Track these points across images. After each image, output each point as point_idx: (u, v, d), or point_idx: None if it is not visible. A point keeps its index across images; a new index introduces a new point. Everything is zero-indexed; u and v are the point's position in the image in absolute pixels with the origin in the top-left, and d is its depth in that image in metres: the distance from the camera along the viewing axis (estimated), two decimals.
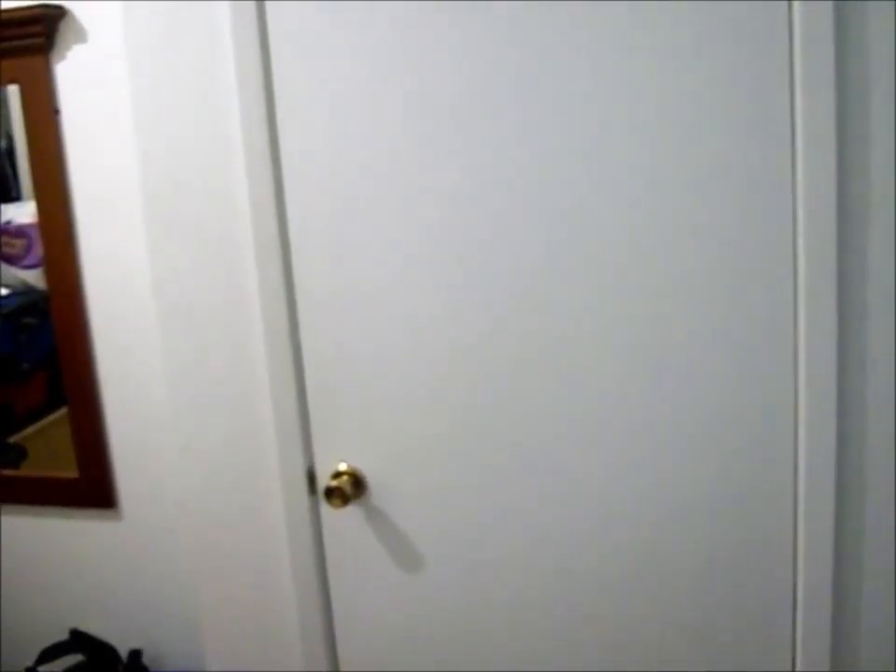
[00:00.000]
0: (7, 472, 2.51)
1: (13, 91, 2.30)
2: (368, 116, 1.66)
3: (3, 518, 2.52)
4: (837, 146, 1.47)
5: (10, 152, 2.43)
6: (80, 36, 2.14)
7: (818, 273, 1.52)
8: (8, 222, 2.45)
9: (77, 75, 2.17)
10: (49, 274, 2.32)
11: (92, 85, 2.16)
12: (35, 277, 2.44)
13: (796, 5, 1.43)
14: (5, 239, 2.46)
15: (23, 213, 2.43)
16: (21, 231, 2.44)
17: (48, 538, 2.49)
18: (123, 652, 2.43)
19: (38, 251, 2.41)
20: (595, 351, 1.65)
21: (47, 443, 2.54)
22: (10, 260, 2.47)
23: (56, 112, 2.19)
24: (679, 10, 1.48)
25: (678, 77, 1.51)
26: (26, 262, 2.45)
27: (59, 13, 2.13)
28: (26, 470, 2.51)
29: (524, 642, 1.82)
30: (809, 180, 1.49)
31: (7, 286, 2.50)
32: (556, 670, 1.82)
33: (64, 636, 2.46)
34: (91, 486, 2.39)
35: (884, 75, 1.45)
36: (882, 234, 1.51)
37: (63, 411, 2.46)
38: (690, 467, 1.66)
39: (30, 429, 2.56)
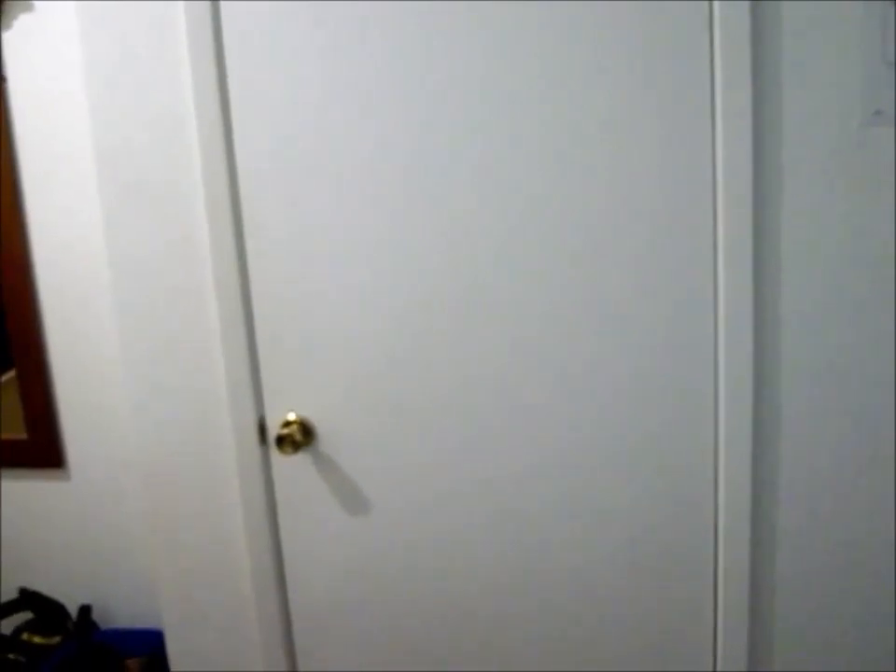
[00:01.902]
0: None
1: None
2: (322, 88, 1.75)
3: None
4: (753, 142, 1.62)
5: None
6: (26, 7, 2.19)
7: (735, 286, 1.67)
8: None
9: (23, 43, 2.21)
10: None
11: (40, 53, 2.21)
12: None
13: (716, 5, 1.57)
14: None
15: None
16: None
17: None
18: (73, 610, 2.49)
19: None
20: (531, 304, 1.77)
21: None
22: None
23: (2, 80, 2.24)
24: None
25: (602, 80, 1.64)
26: None
27: None
28: None
29: (463, 578, 1.94)
30: (727, 173, 1.63)
31: None
32: (500, 606, 1.95)
33: (14, 595, 2.51)
34: (39, 447, 2.44)
35: (796, 73, 1.59)
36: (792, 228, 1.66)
37: (8, 375, 2.50)
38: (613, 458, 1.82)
39: None
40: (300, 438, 1.89)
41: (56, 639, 2.44)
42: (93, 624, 2.49)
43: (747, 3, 1.55)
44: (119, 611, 2.51)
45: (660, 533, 1.84)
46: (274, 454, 1.93)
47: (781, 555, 1.82)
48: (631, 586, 1.88)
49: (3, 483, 2.52)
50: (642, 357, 1.76)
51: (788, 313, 1.69)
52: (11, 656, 2.38)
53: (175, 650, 2.17)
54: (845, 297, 1.67)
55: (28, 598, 2.50)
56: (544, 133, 1.69)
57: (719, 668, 1.88)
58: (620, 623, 1.91)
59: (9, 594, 2.50)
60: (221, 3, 1.75)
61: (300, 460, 1.93)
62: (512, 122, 1.70)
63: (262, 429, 1.94)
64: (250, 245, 1.85)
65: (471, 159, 1.73)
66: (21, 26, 2.22)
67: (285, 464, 1.94)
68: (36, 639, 2.44)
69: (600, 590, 1.89)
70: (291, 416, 1.91)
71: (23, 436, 2.46)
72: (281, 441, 1.87)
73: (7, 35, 2.22)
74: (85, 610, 2.47)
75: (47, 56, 2.23)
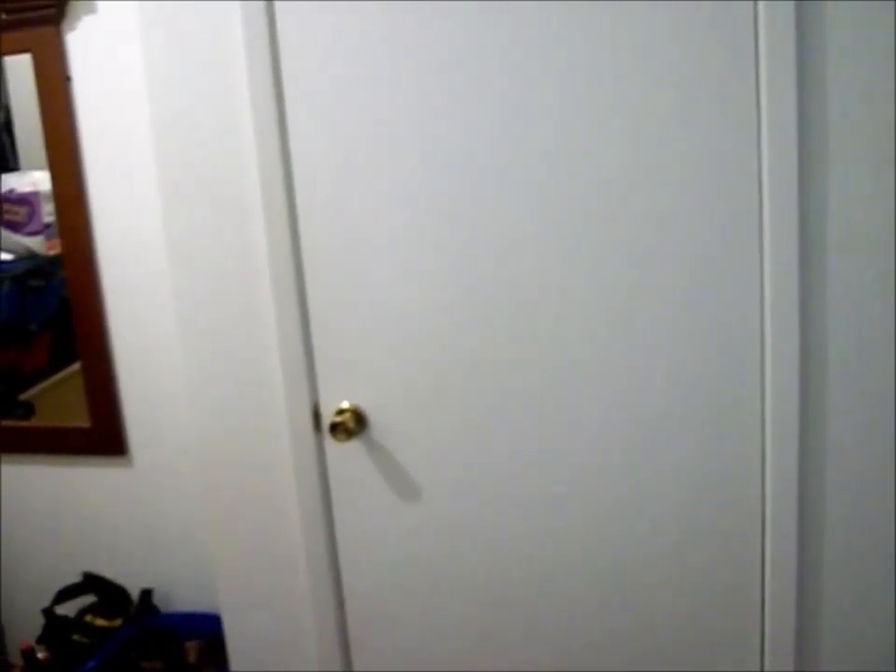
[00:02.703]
0: (24, 424, 2.64)
1: (12, 63, 2.42)
2: (371, 83, 1.79)
3: (20, 468, 2.64)
4: (798, 137, 1.62)
5: (8, 124, 2.55)
6: (90, 8, 2.27)
7: (781, 284, 1.68)
8: (11, 191, 2.57)
9: (87, 44, 2.29)
10: (63, 235, 2.44)
11: (102, 54, 2.28)
12: (37, 244, 2.56)
13: (761, 5, 1.58)
14: (7, 207, 2.58)
15: (25, 182, 2.55)
16: (23, 200, 2.56)
17: (62, 485, 2.62)
18: (134, 593, 2.56)
19: (41, 218, 2.53)
20: (584, 301, 1.79)
21: (53, 401, 2.66)
22: (14, 228, 2.59)
23: (68, 79, 2.31)
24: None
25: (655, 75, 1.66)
26: (29, 229, 2.57)
27: None
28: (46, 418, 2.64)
29: (512, 565, 1.97)
30: (773, 168, 1.64)
31: (10, 252, 2.61)
32: (546, 592, 1.97)
33: (78, 578, 2.59)
34: (102, 435, 2.52)
35: (842, 70, 1.60)
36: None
37: (67, 370, 2.59)
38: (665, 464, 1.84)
39: (36, 388, 2.69)
40: (353, 426, 1.93)
41: (118, 622, 2.52)
42: (154, 608, 2.56)
43: (791, 3, 1.56)
44: (179, 595, 2.58)
45: (706, 526, 1.85)
46: (328, 441, 1.98)
47: (829, 547, 1.82)
48: (676, 579, 1.89)
49: (68, 470, 2.61)
50: (690, 349, 1.77)
51: (834, 300, 1.69)
52: (75, 637, 2.46)
53: (231, 633, 2.23)
54: (892, 286, 1.66)
55: (91, 582, 2.58)
56: (597, 132, 1.71)
57: (766, 667, 1.88)
58: (664, 616, 1.92)
59: (74, 577, 2.58)
60: (277, 10, 1.80)
61: (352, 448, 1.98)
62: (569, 122, 1.72)
63: (317, 417, 1.99)
64: (304, 238, 1.90)
65: (526, 153, 1.75)
66: (85, 27, 2.29)
67: (338, 451, 1.99)
68: (99, 622, 2.52)
69: (646, 579, 1.91)
70: (345, 404, 1.96)
71: (87, 424, 2.53)
72: (334, 428, 1.92)
73: (71, 37, 2.29)
74: (146, 594, 2.55)
75: (109, 56, 2.30)
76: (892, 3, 1.55)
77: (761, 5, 1.59)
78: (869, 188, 1.63)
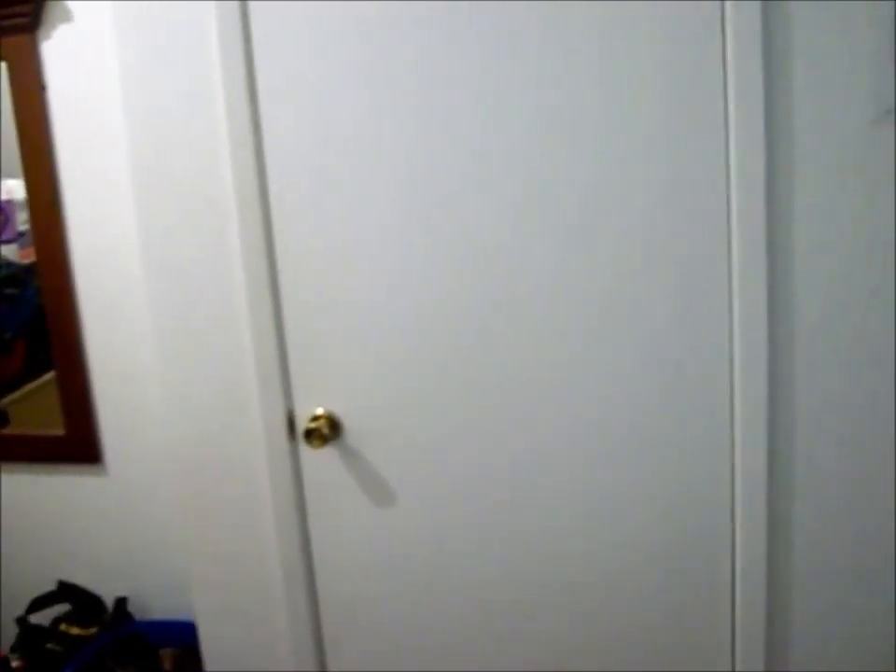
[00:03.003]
0: None
1: None
2: (346, 84, 1.81)
3: None
4: (766, 144, 1.65)
5: None
6: (66, 17, 2.27)
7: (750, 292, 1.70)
8: None
9: (62, 53, 2.30)
10: (37, 243, 2.44)
11: (78, 62, 2.29)
12: (11, 252, 2.56)
13: (728, 5, 1.61)
14: None
15: None
16: None
17: (36, 493, 2.61)
18: (109, 602, 2.56)
19: (15, 227, 2.53)
20: (565, 303, 1.81)
21: (28, 409, 2.65)
22: None
23: (43, 88, 2.32)
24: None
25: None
26: (3, 237, 2.57)
27: None
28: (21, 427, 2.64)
29: (488, 569, 1.98)
30: (740, 174, 1.67)
31: None
32: (521, 596, 1.99)
33: (53, 587, 2.58)
34: (77, 443, 2.52)
35: (809, 77, 1.63)
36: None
37: (42, 379, 2.58)
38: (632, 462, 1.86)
39: (11, 397, 2.68)
40: (327, 432, 1.94)
41: (93, 630, 2.51)
42: (129, 616, 2.56)
43: (758, 3, 1.59)
44: (154, 603, 2.58)
45: (676, 526, 1.87)
46: (303, 447, 1.99)
47: (798, 547, 1.84)
48: (648, 578, 1.91)
49: (42, 478, 2.60)
50: (659, 352, 1.79)
51: (801, 307, 1.72)
52: (50, 646, 2.45)
53: (207, 639, 2.23)
54: (857, 293, 1.69)
55: (66, 590, 2.58)
56: (573, 133, 1.74)
57: (737, 666, 1.91)
58: (639, 616, 1.94)
59: (48, 586, 2.57)
60: (250, 7, 1.81)
61: (327, 454, 1.99)
62: (544, 125, 1.75)
63: (291, 423, 2.00)
64: (279, 242, 1.91)
65: (503, 155, 1.78)
66: (60, 36, 2.29)
67: (313, 457, 2.00)
68: (74, 630, 2.51)
69: (618, 581, 1.93)
70: (319, 411, 1.97)
71: (62, 432, 2.53)
72: (309, 434, 1.93)
73: (46, 45, 2.30)
74: (121, 602, 2.54)
75: (84, 64, 2.30)
76: (860, 7, 1.58)
77: (728, 5, 1.61)
78: (834, 190, 1.66)
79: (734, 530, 1.84)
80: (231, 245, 1.94)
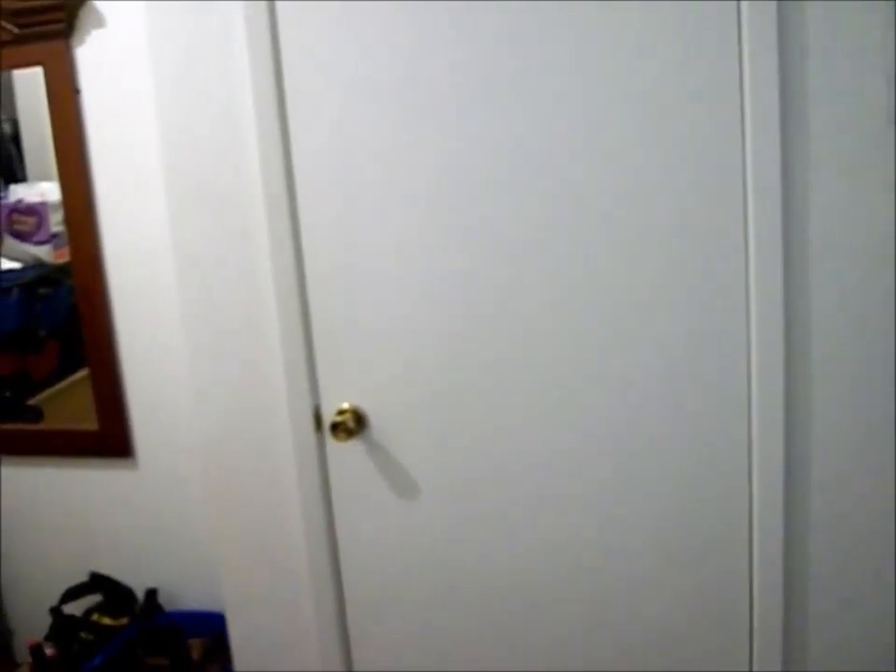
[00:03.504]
0: (34, 427, 2.70)
1: (19, 77, 2.48)
2: (372, 94, 1.86)
3: (29, 470, 2.70)
4: (781, 142, 1.68)
5: (15, 136, 2.62)
6: (99, 22, 2.34)
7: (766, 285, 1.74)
8: (19, 201, 2.63)
9: (96, 57, 2.36)
10: (71, 244, 2.50)
11: (111, 67, 2.35)
12: (45, 253, 2.63)
13: (744, 5, 1.65)
14: (16, 217, 2.64)
15: (33, 192, 2.62)
16: (32, 210, 2.62)
17: (69, 487, 2.68)
18: (140, 593, 2.62)
19: (48, 228, 2.60)
20: (586, 302, 1.85)
21: (61, 405, 2.72)
22: (22, 237, 2.65)
23: (77, 92, 2.38)
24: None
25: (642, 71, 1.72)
26: (37, 238, 2.63)
27: (79, 2, 2.32)
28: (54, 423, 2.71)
29: (514, 563, 2.02)
30: (756, 171, 1.70)
31: (19, 261, 2.68)
32: (545, 588, 2.03)
33: (85, 578, 2.64)
34: (109, 438, 2.58)
35: (824, 76, 1.66)
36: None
37: (74, 376, 2.65)
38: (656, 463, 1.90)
39: (44, 393, 2.75)
40: (353, 425, 1.99)
41: (124, 621, 2.57)
42: (159, 607, 2.61)
43: (773, 3, 1.62)
44: (184, 595, 2.63)
45: (694, 523, 1.90)
46: (329, 441, 2.03)
47: (814, 546, 1.87)
48: (665, 575, 1.95)
49: (75, 472, 2.66)
50: (677, 351, 1.83)
51: (817, 306, 1.75)
52: (83, 635, 2.52)
53: (235, 630, 2.28)
54: (872, 292, 1.72)
55: (98, 582, 2.64)
56: (595, 132, 1.78)
57: (755, 667, 1.94)
58: (655, 611, 1.97)
59: (81, 577, 2.63)
60: (279, 14, 1.87)
61: (353, 447, 2.04)
62: (563, 126, 1.79)
63: (318, 417, 2.05)
64: (306, 240, 1.96)
65: (522, 157, 1.82)
66: (94, 41, 2.36)
67: (339, 450, 2.05)
68: (105, 620, 2.57)
69: (635, 576, 1.96)
70: (345, 405, 2.02)
71: (95, 427, 2.59)
72: (335, 428, 1.98)
73: (80, 50, 2.36)
74: (151, 594, 2.60)
75: (116, 69, 2.36)
76: (876, 7, 1.61)
77: (744, 6, 1.64)
78: (849, 190, 1.69)
79: (751, 529, 1.87)
80: (260, 246, 2.00)
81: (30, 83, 2.48)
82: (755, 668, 1.94)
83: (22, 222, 2.65)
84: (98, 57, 2.36)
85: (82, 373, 2.62)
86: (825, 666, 1.92)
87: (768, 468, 1.83)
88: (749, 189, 1.71)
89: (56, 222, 2.58)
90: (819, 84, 1.66)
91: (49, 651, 2.48)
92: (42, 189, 2.59)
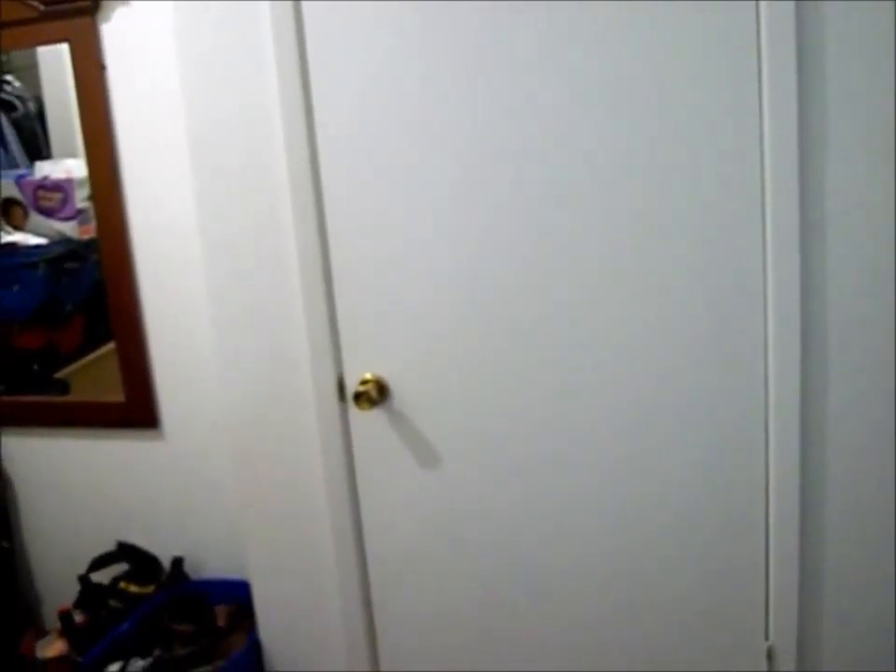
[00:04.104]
0: (61, 399, 2.75)
1: (43, 55, 2.51)
2: (398, 73, 1.89)
3: (57, 441, 2.75)
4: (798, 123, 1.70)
5: (40, 114, 2.66)
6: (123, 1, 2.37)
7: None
8: (45, 178, 2.67)
9: (121, 34, 2.39)
10: (98, 218, 2.54)
11: (136, 43, 2.38)
12: (71, 228, 2.66)
13: (763, 5, 1.67)
14: (42, 193, 2.68)
15: (59, 169, 2.66)
16: (57, 186, 2.66)
17: (97, 458, 2.72)
18: (166, 561, 2.66)
19: (74, 204, 2.63)
20: (599, 279, 1.89)
21: (87, 379, 2.77)
22: (48, 213, 2.69)
23: (103, 68, 2.42)
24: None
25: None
26: (63, 214, 2.67)
27: None
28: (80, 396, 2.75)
29: (534, 529, 2.06)
30: (774, 154, 1.73)
31: (45, 236, 2.71)
32: (565, 554, 2.07)
33: (112, 547, 2.69)
34: (136, 409, 2.62)
35: (840, 59, 1.68)
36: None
37: (100, 351, 2.69)
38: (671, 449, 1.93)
39: (71, 367, 2.80)
40: (375, 395, 2.03)
41: (150, 588, 2.62)
42: (185, 575, 2.66)
43: None
44: (209, 563, 2.68)
45: (711, 501, 1.94)
46: (352, 410, 2.08)
47: (829, 543, 1.90)
48: (683, 550, 1.98)
49: (103, 443, 2.71)
50: (697, 326, 1.86)
51: (833, 283, 1.77)
52: (111, 602, 2.57)
53: (259, 597, 2.34)
54: (888, 270, 1.74)
55: (125, 551, 2.68)
56: (609, 119, 1.81)
57: (771, 638, 1.97)
58: (674, 588, 2.01)
59: (108, 546, 2.68)
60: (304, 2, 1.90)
61: (375, 416, 2.08)
62: (588, 104, 1.82)
63: (341, 387, 2.09)
64: (330, 216, 2.00)
65: (534, 135, 1.85)
66: (118, 19, 2.39)
67: (361, 420, 2.09)
68: (132, 588, 2.62)
69: (651, 548, 2.00)
70: (368, 375, 2.06)
71: (122, 399, 2.64)
72: (358, 397, 2.01)
73: (106, 27, 2.40)
74: (177, 562, 2.65)
75: (142, 48, 2.39)
76: None
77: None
78: (866, 174, 1.71)
79: (767, 506, 1.90)
80: (285, 221, 2.03)
81: (54, 61, 2.52)
82: (771, 640, 1.97)
83: (48, 198, 2.68)
84: (123, 34, 2.39)
85: (107, 348, 2.66)
86: (840, 639, 1.95)
87: (784, 446, 1.85)
88: (766, 169, 1.73)
89: (81, 198, 2.62)
90: (835, 63, 1.68)
91: (77, 617, 2.53)
92: (68, 166, 2.63)
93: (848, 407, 1.83)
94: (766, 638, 1.98)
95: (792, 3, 1.65)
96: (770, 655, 1.97)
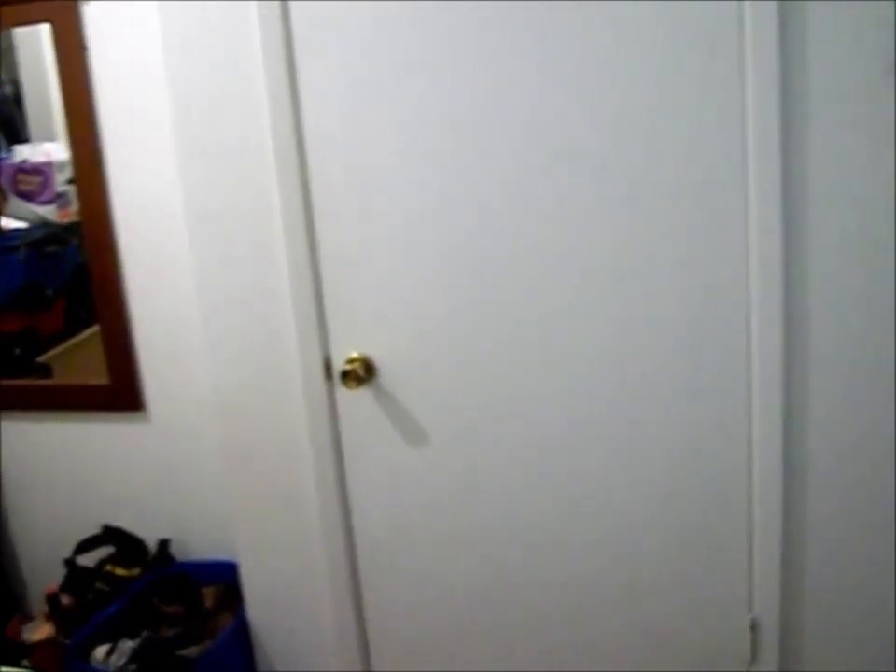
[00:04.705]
0: (45, 382, 2.74)
1: (21, 37, 2.50)
2: (385, 45, 1.89)
3: (41, 425, 2.74)
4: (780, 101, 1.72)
5: (17, 97, 2.64)
6: None
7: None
8: (24, 161, 2.65)
9: (102, 15, 2.37)
10: (81, 200, 2.52)
11: (117, 24, 2.37)
12: (50, 212, 2.65)
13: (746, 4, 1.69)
14: (21, 177, 2.66)
15: (38, 153, 2.64)
16: (36, 170, 2.64)
17: (82, 441, 2.71)
18: (152, 544, 2.67)
19: (54, 188, 2.62)
20: (583, 256, 1.90)
21: (69, 363, 2.75)
22: (28, 197, 2.67)
23: (84, 49, 2.40)
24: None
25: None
26: (42, 198, 2.65)
27: None
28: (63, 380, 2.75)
29: (519, 503, 2.08)
30: (757, 130, 1.75)
31: (25, 220, 2.70)
32: (551, 531, 2.09)
33: (97, 530, 2.69)
34: (120, 391, 2.62)
35: (821, 26, 1.69)
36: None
37: (82, 335, 2.68)
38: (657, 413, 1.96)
39: (53, 351, 2.78)
40: (362, 373, 2.04)
41: (136, 571, 2.62)
42: (171, 557, 2.66)
43: None
44: (196, 545, 2.68)
45: (693, 467, 1.96)
46: (339, 389, 2.09)
47: (812, 484, 1.93)
48: (665, 515, 2.01)
49: (87, 426, 2.70)
50: (681, 299, 1.88)
51: (815, 251, 1.79)
52: (97, 585, 2.57)
53: (248, 577, 2.35)
54: (869, 236, 1.76)
55: (110, 533, 2.68)
56: (590, 90, 1.82)
57: (754, 610, 2.01)
58: (655, 548, 2.04)
59: (93, 529, 2.68)
60: None
61: (362, 395, 2.09)
62: (566, 88, 1.83)
63: (328, 366, 2.09)
64: (316, 194, 2.00)
65: (520, 124, 1.86)
66: None
67: (348, 398, 2.10)
68: (119, 571, 2.61)
69: (635, 517, 2.03)
70: (354, 354, 2.06)
71: (106, 381, 2.63)
72: (345, 376, 2.03)
73: (87, 8, 2.38)
74: (164, 544, 2.65)
75: (124, 29, 2.38)
76: None
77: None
78: (848, 148, 1.73)
79: (750, 468, 1.93)
80: (271, 200, 2.04)
81: (32, 43, 2.50)
82: (754, 613, 2.00)
83: (28, 182, 2.67)
84: (105, 14, 2.37)
85: (90, 331, 2.66)
86: (822, 610, 1.99)
87: (768, 422, 1.89)
88: (749, 135, 1.75)
89: (61, 182, 2.60)
90: (817, 35, 1.69)
91: (64, 600, 2.53)
92: (47, 149, 2.61)
93: (829, 382, 1.85)
94: (750, 611, 2.00)
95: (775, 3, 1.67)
96: (754, 627, 2.01)
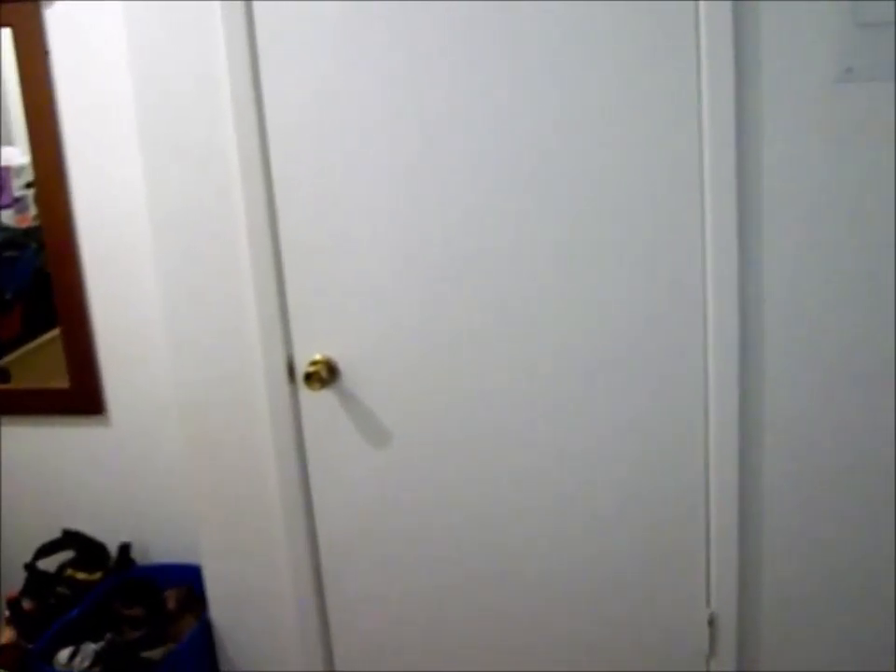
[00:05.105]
0: (4, 386, 2.72)
1: None
2: (352, 50, 1.91)
3: (1, 429, 2.73)
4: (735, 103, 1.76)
5: None
6: None
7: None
8: None
9: (64, 19, 2.38)
10: (42, 205, 2.52)
11: (79, 28, 2.37)
12: (8, 217, 2.63)
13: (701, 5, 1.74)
14: None
15: None
16: None
17: (42, 445, 2.70)
18: (113, 548, 2.66)
19: (11, 192, 2.61)
20: (546, 259, 1.93)
21: (28, 367, 2.74)
22: None
23: (46, 53, 2.40)
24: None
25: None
26: (0, 203, 2.65)
27: None
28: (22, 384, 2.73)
29: (483, 506, 2.11)
30: (712, 133, 1.79)
31: None
32: (514, 531, 2.12)
33: (58, 534, 2.68)
34: (81, 395, 2.61)
35: (774, 34, 1.74)
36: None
37: (41, 339, 2.68)
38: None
39: (11, 356, 2.77)
40: (325, 375, 2.06)
41: (98, 575, 2.61)
42: (132, 561, 2.66)
43: None
44: (157, 548, 2.68)
45: (652, 468, 2.00)
46: (302, 391, 2.11)
47: (768, 490, 1.98)
48: (624, 514, 2.05)
49: (47, 430, 2.69)
50: (637, 301, 1.92)
51: (770, 255, 1.84)
52: (58, 589, 2.56)
53: (211, 579, 2.35)
54: (821, 240, 1.81)
55: (71, 538, 2.67)
56: (562, 87, 1.85)
57: (712, 605, 2.05)
58: (613, 548, 2.08)
59: (54, 534, 2.67)
60: None
61: (325, 396, 2.11)
62: (532, 90, 1.86)
63: (291, 368, 2.11)
64: (280, 196, 2.02)
65: (482, 122, 1.89)
66: (63, 2, 2.37)
67: (312, 400, 2.12)
68: (80, 575, 2.61)
69: (596, 515, 2.06)
70: (318, 356, 2.08)
71: (66, 385, 2.63)
72: (309, 377, 2.04)
73: (49, 12, 2.38)
74: (125, 548, 2.64)
75: (86, 30, 2.38)
76: None
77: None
78: (801, 146, 1.78)
79: (706, 463, 1.98)
80: (235, 202, 2.05)
81: None
82: (712, 608, 2.05)
83: None
84: (67, 18, 2.38)
85: (48, 336, 2.65)
86: (779, 604, 2.03)
87: (723, 421, 1.93)
88: (705, 146, 1.80)
89: (19, 186, 2.60)
90: (770, 44, 1.74)
91: (26, 605, 2.52)
92: (5, 154, 2.60)
93: (784, 385, 1.90)
94: (708, 606, 2.05)
95: (729, 2, 1.71)
96: (712, 622, 2.05)
